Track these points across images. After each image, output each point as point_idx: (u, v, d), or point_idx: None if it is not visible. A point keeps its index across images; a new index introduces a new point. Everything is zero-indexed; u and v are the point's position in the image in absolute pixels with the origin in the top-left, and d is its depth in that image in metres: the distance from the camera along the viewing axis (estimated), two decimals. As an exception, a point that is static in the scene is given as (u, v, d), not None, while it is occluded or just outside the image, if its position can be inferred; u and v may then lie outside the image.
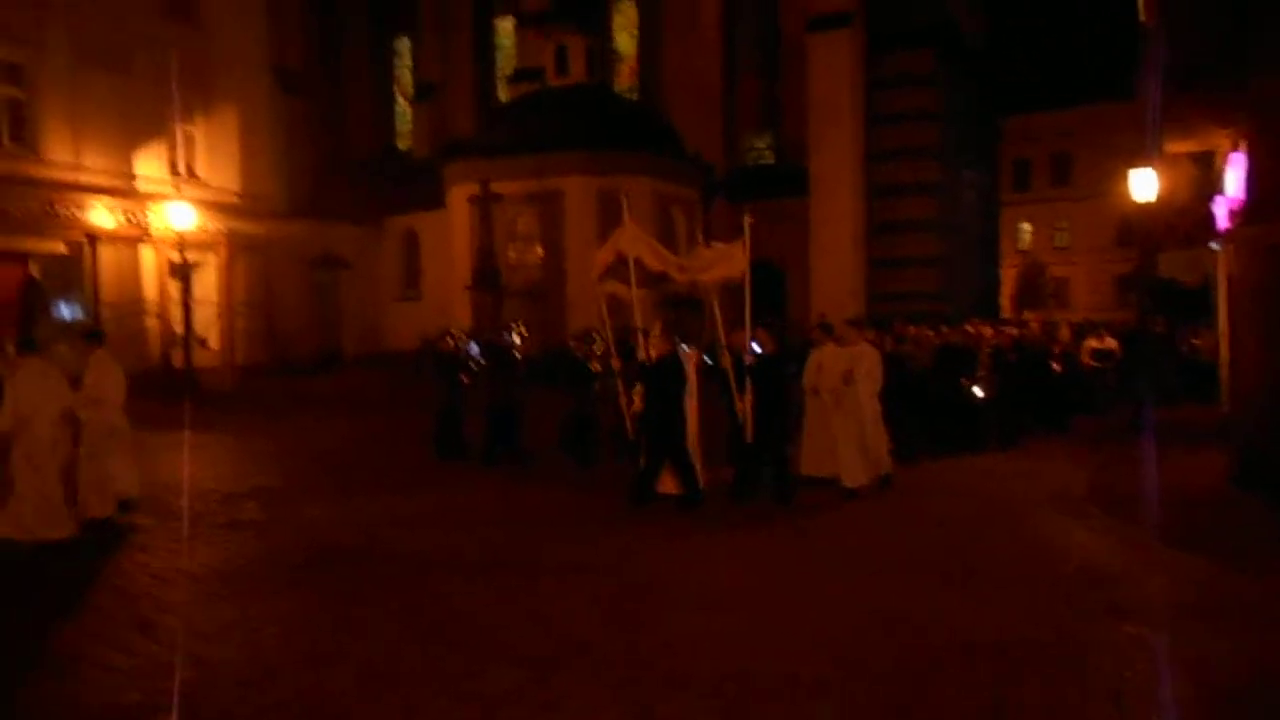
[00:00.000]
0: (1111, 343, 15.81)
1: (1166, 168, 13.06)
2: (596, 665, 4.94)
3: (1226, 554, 7.10)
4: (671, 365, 9.30)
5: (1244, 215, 10.49)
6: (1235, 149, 12.10)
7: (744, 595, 6.22)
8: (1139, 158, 16.98)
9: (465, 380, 12.44)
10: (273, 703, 4.56)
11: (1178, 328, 18.63)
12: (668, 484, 9.33)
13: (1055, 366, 13.64)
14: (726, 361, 9.93)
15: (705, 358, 10.38)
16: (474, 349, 13.84)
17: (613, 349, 10.90)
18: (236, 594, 6.46)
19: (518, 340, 10.43)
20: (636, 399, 10.00)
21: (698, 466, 9.38)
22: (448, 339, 13.01)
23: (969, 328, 13.98)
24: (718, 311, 10.82)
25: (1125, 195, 19.58)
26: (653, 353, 9.68)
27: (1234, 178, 12.02)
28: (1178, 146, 14.40)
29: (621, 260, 10.35)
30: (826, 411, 9.88)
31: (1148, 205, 14.73)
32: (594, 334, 13.00)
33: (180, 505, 9.47)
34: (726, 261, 10.57)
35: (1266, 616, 5.77)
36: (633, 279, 10.14)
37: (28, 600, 6.37)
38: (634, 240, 10.36)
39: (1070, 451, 12.38)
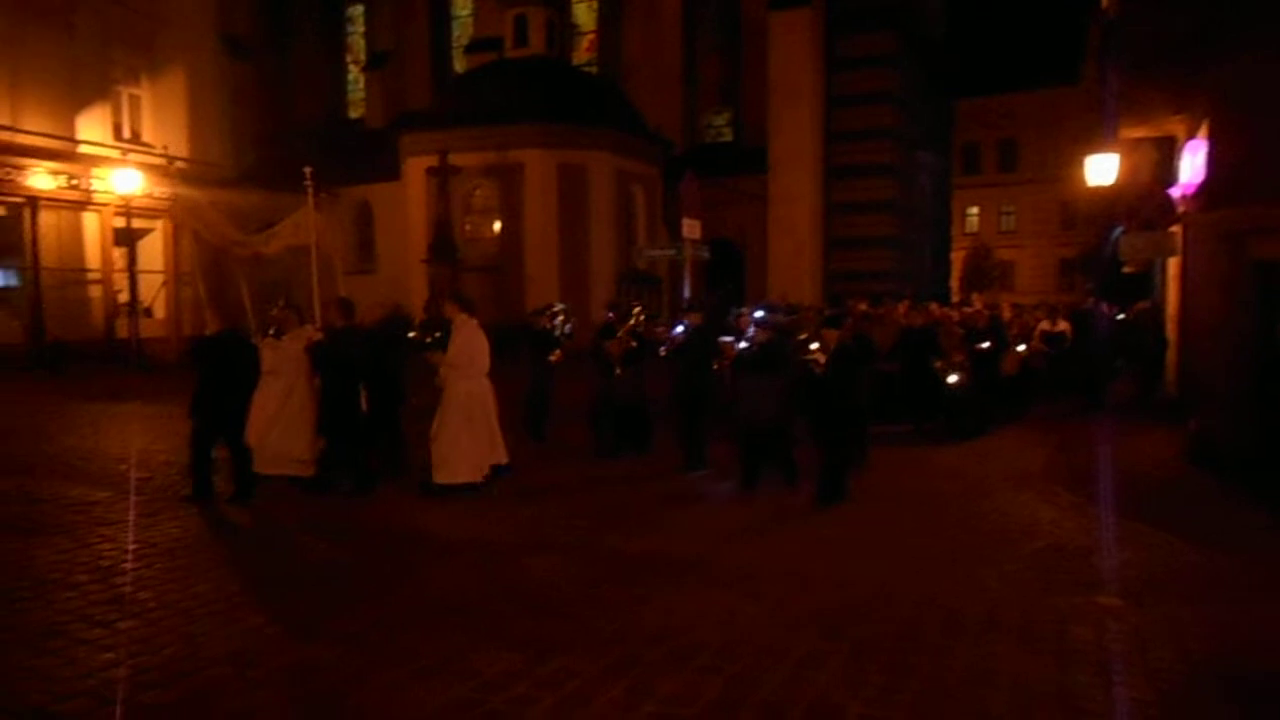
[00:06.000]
0: (1064, 325, 16.09)
1: (1124, 152, 13.34)
2: (596, 644, 4.92)
3: (1189, 529, 7.32)
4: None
5: (1200, 200, 10.77)
6: (1191, 135, 12.40)
7: (728, 572, 6.24)
8: (1086, 142, 17.30)
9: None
10: (264, 679, 4.46)
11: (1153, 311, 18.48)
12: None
13: (1020, 350, 13.78)
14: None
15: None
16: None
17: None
18: (211, 568, 6.31)
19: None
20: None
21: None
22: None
23: (932, 308, 14.10)
24: (242, 283, 10.16)
25: (1075, 180, 19.90)
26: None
27: (1188, 164, 12.34)
28: (1132, 132, 14.70)
29: (195, 235, 9.63)
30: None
31: (1102, 189, 15.05)
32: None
33: (140, 479, 9.23)
34: (291, 230, 10.27)
35: (1235, 588, 5.98)
36: (193, 252, 9.35)
37: (-10, 575, 6.15)
38: (193, 216, 9.67)
39: (1024, 432, 12.62)
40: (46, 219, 21.99)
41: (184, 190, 25.03)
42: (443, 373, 8.52)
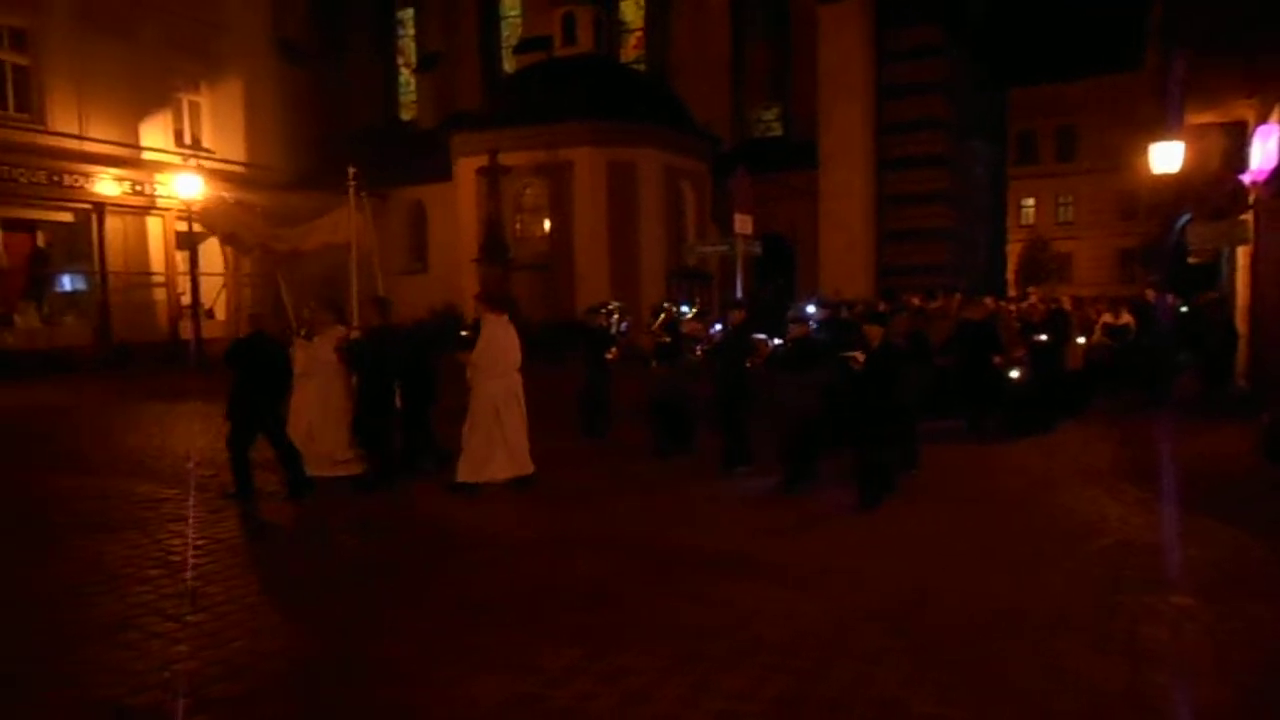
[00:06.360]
0: (1128, 318, 15.65)
1: (1191, 139, 12.94)
2: (655, 639, 4.90)
3: (1262, 525, 7.08)
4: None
5: (1274, 186, 10.40)
6: (1262, 120, 12.00)
7: (783, 569, 6.17)
8: (1149, 129, 16.83)
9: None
10: (327, 674, 4.53)
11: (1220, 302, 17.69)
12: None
13: (1080, 341, 13.40)
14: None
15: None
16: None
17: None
18: (272, 564, 6.44)
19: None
20: None
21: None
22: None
23: (987, 302, 13.79)
24: (282, 281, 10.46)
25: (1137, 168, 19.33)
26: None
27: (1260, 149, 11.94)
28: (1199, 117, 14.27)
29: (230, 237, 9.89)
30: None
31: (1168, 177, 14.60)
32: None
33: (205, 476, 9.44)
34: (330, 227, 10.29)
35: (1314, 588, 5.76)
36: (225, 254, 9.62)
37: (66, 570, 6.33)
38: (225, 218, 9.83)
39: (1087, 428, 12.28)
40: (113, 224, 22.65)
41: (242, 195, 25.72)
42: (468, 372, 8.49)
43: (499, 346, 8.47)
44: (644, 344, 10.54)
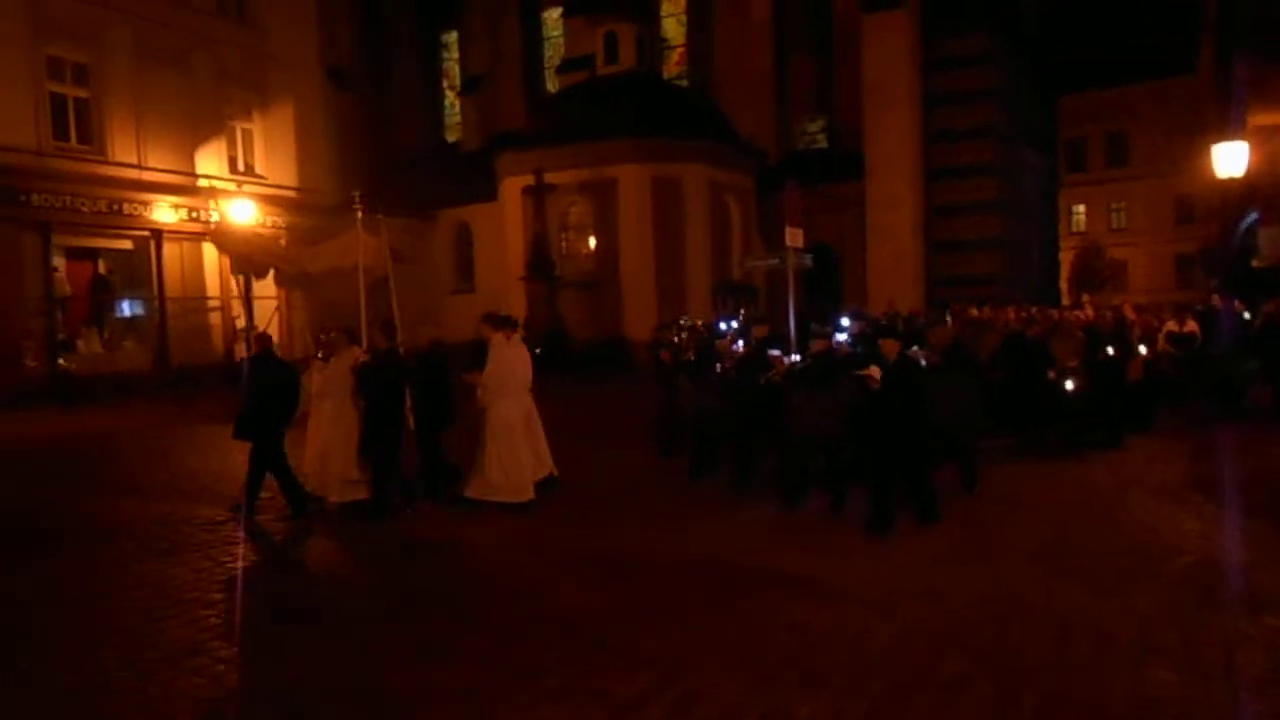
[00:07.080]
0: (1193, 326, 15.15)
1: (1258, 141, 12.56)
2: (727, 663, 4.79)
3: (1355, 543, 6.76)
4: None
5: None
6: (1333, 120, 11.60)
7: (850, 590, 6.01)
8: (1205, 132, 16.39)
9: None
10: (400, 699, 4.48)
11: None
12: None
13: (1143, 351, 12.98)
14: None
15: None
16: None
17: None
18: (334, 586, 6.43)
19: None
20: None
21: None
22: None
23: (1052, 313, 13.42)
24: (296, 304, 10.24)
25: (1195, 172, 18.81)
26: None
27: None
28: (1263, 119, 13.86)
29: (244, 259, 9.84)
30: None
31: (1231, 180, 14.19)
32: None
33: (263, 499, 9.49)
34: (338, 251, 10.09)
35: None
36: (237, 280, 9.48)
37: (136, 595, 6.39)
38: (238, 241, 9.75)
39: (1153, 441, 11.85)
40: (170, 251, 23.14)
41: (294, 220, 26.17)
42: (479, 393, 8.41)
43: (508, 365, 8.44)
44: (664, 356, 10.43)
